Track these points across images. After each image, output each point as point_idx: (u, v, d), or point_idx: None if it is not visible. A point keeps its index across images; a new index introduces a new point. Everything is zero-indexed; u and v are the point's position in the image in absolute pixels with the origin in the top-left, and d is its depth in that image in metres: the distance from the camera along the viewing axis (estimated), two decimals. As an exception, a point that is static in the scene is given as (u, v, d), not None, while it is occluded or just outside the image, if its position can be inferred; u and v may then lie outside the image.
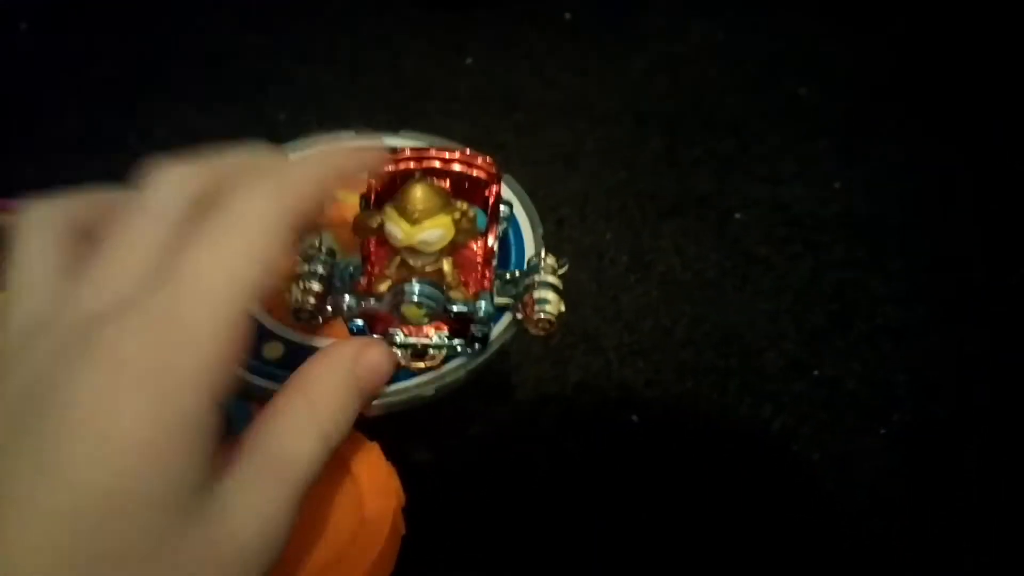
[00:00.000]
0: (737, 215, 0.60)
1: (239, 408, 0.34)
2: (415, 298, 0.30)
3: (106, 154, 0.62)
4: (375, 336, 0.33)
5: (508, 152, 0.64)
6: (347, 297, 0.32)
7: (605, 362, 0.52)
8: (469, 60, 0.72)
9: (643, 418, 0.49)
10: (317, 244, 0.33)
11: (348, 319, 0.33)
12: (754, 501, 0.46)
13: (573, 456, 0.48)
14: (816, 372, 0.51)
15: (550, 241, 0.59)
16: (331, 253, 0.33)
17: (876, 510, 0.46)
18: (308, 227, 0.27)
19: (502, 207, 0.35)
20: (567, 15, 0.77)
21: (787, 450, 0.48)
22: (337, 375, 0.27)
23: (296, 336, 0.34)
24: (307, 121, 0.65)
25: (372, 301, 0.31)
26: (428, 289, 0.30)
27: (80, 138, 0.64)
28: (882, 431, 0.49)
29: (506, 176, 0.38)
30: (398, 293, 0.30)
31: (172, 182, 0.26)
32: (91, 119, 0.66)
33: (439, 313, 0.31)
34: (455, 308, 0.31)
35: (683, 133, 0.67)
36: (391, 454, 0.35)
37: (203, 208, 0.24)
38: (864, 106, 0.69)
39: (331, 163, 0.28)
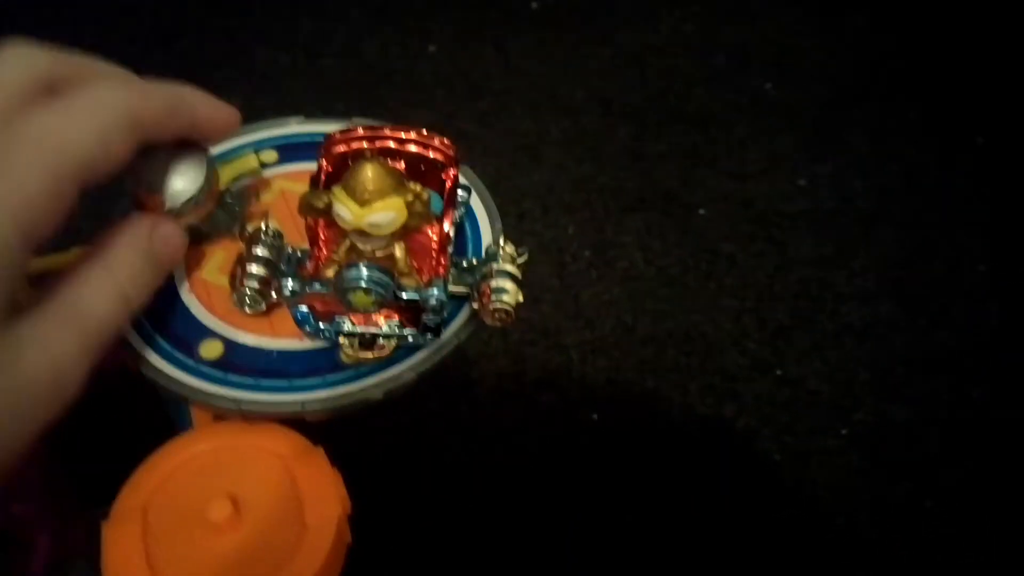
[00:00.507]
0: (702, 210, 0.60)
1: (181, 411, 0.33)
2: (362, 283, 0.28)
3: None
4: (321, 325, 0.31)
5: (470, 142, 0.63)
6: (289, 281, 0.30)
7: (566, 359, 0.51)
8: (432, 47, 0.70)
9: (604, 416, 0.48)
10: (263, 227, 0.30)
11: (291, 305, 0.31)
12: (715, 501, 0.45)
13: (534, 455, 0.47)
14: (779, 371, 0.51)
15: (511, 235, 0.58)
16: (277, 236, 0.31)
17: (838, 509, 0.45)
18: (148, 140, 0.28)
19: (460, 192, 0.33)
20: (533, 4, 0.75)
21: (749, 450, 0.47)
22: (133, 244, 0.28)
23: (237, 335, 0.32)
24: (262, 106, 0.63)
25: (317, 286, 0.29)
26: (376, 274, 0.28)
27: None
28: (843, 431, 0.48)
29: (463, 167, 0.36)
30: (344, 278, 0.28)
31: (22, 59, 0.27)
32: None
33: (389, 300, 0.29)
34: (405, 295, 0.29)
35: (650, 125, 0.66)
36: (342, 457, 0.34)
37: (50, 90, 0.26)
38: (831, 101, 0.68)
39: (183, 96, 0.29)
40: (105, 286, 0.27)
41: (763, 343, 0.52)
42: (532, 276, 0.54)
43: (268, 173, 0.36)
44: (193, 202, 0.30)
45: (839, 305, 0.54)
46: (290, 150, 0.37)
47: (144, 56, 0.68)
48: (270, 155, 0.37)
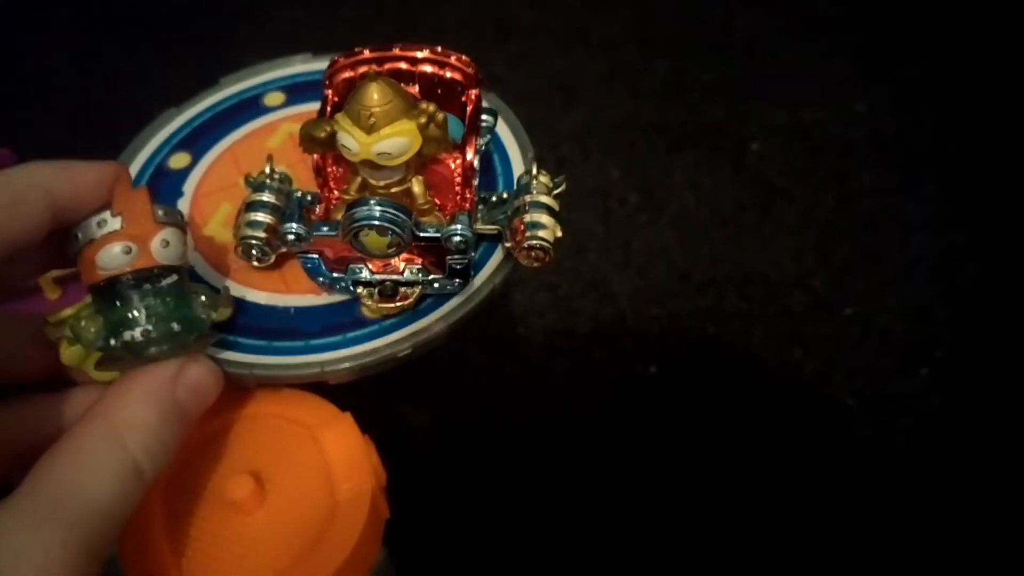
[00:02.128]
0: (754, 145, 0.56)
1: None
2: (374, 222, 0.24)
3: (69, 107, 0.57)
4: (335, 275, 0.28)
5: (503, 86, 0.59)
6: (293, 225, 0.26)
7: (618, 311, 0.48)
8: (456, -12, 0.67)
9: (662, 369, 0.46)
10: (267, 171, 0.27)
11: (299, 254, 0.27)
12: (786, 453, 0.42)
13: (588, 414, 0.44)
14: (847, 311, 0.47)
15: (551, 175, 0.55)
16: (285, 181, 0.28)
17: (918, 457, 0.42)
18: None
19: (484, 117, 0.29)
20: (560, -65, 0.71)
21: (819, 397, 0.44)
22: (150, 399, 0.23)
23: (247, 293, 0.28)
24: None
25: (324, 229, 0.26)
26: (390, 211, 0.24)
27: (40, 91, 0.60)
28: (922, 371, 0.45)
29: (489, 94, 0.33)
30: (352, 217, 0.24)
31: None
32: (51, 71, 0.61)
33: (407, 242, 0.25)
34: (424, 234, 0.25)
35: (691, 57, 0.61)
36: (374, 423, 0.31)
37: None
38: (887, 17, 0.63)
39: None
40: (110, 460, 0.22)
41: (829, 282, 0.49)
42: (577, 224, 0.51)
43: (275, 116, 0.33)
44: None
45: (909, 236, 0.50)
46: (297, 90, 0.34)
47: (157, 22, 0.65)
48: (277, 97, 0.34)
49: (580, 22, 0.64)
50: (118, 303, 0.23)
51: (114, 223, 0.23)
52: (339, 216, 0.26)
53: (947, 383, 0.44)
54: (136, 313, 0.23)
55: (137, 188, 0.24)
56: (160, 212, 0.24)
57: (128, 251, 0.23)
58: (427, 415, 0.44)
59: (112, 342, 0.23)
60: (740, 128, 0.56)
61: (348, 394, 0.29)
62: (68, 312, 0.25)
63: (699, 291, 0.48)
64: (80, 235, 0.23)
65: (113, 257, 0.23)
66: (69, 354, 0.25)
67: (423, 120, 0.23)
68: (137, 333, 0.23)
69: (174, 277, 0.24)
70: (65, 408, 0.26)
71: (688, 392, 0.44)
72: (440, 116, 0.24)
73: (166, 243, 0.24)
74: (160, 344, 0.24)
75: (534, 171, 0.27)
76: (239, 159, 0.32)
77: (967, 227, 0.50)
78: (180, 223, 0.25)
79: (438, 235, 0.25)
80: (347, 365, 0.26)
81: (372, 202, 0.24)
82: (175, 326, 0.24)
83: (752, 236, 0.51)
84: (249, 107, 0.33)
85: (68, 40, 0.64)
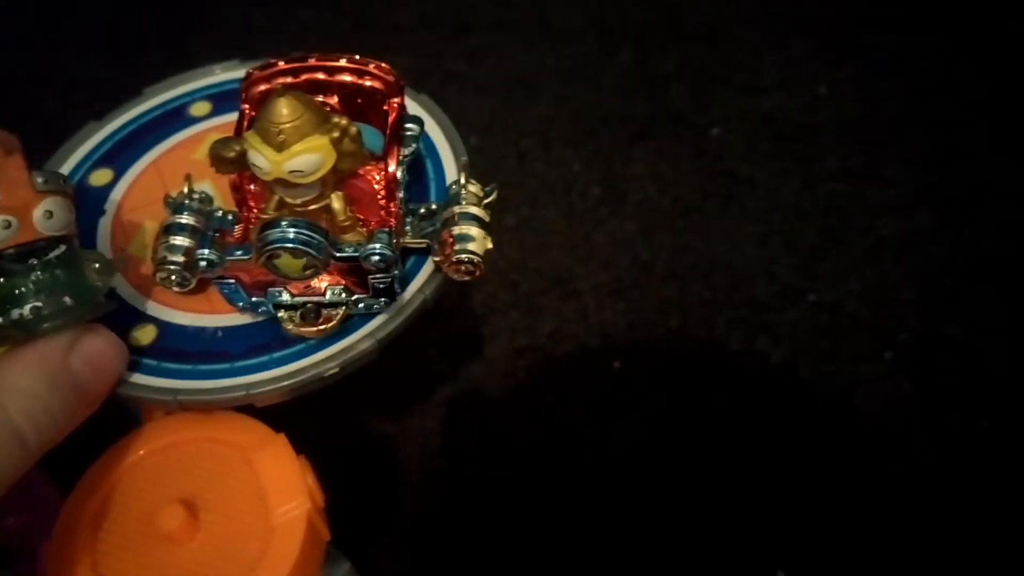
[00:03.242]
0: (715, 131, 0.55)
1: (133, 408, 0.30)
2: (287, 244, 0.23)
3: (13, 111, 0.56)
4: (254, 299, 0.26)
5: (462, 81, 0.59)
6: (204, 251, 0.25)
7: (581, 306, 0.47)
8: (414, -16, 0.66)
9: (627, 364, 0.45)
10: (186, 190, 0.26)
11: (214, 280, 0.26)
12: (754, 442, 0.42)
13: (554, 412, 0.44)
14: (812, 296, 0.47)
15: (511, 177, 0.54)
16: (206, 200, 0.27)
17: (887, 443, 0.42)
18: None
19: (409, 125, 0.28)
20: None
21: (787, 384, 0.44)
22: (38, 366, 0.22)
23: (171, 315, 0.28)
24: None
25: (238, 253, 0.25)
26: (304, 232, 0.23)
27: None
28: (888, 355, 0.44)
29: (421, 96, 0.32)
30: (264, 240, 0.23)
31: None
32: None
33: (323, 262, 0.24)
34: (341, 253, 0.24)
35: (653, 46, 0.61)
36: (339, 430, 0.30)
37: None
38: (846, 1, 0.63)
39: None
40: None
41: (794, 268, 0.48)
42: (539, 220, 0.51)
43: (201, 127, 0.32)
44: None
45: (873, 219, 0.50)
46: (224, 99, 0.33)
47: (109, 27, 0.64)
48: (203, 107, 0.33)
49: (540, 15, 0.63)
50: (2, 280, 0.22)
51: None
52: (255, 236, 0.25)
53: (914, 366, 0.44)
54: (23, 289, 0.22)
55: (11, 154, 0.22)
56: (40, 179, 0.22)
57: (7, 225, 0.22)
58: (392, 423, 0.44)
59: (0, 320, 0.22)
60: (701, 116, 0.56)
61: (284, 414, 0.28)
62: None
63: (663, 282, 0.48)
64: None
65: None
66: None
67: (336, 134, 0.23)
68: (26, 311, 0.22)
69: (62, 248, 0.23)
70: None
71: (653, 386, 0.44)
72: (354, 129, 0.23)
73: (49, 214, 0.22)
74: (53, 320, 0.22)
75: (463, 180, 0.26)
76: (164, 173, 0.31)
77: (930, 209, 0.50)
78: (64, 189, 0.23)
79: (356, 255, 0.24)
80: (274, 387, 0.25)
81: (284, 223, 0.23)
82: (67, 300, 0.23)
83: (715, 224, 0.50)
84: (174, 118, 0.32)
85: (8, 40, 0.62)
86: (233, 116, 0.32)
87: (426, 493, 0.42)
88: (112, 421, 0.27)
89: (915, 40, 0.59)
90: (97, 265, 0.24)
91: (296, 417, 0.27)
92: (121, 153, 0.31)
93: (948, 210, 0.50)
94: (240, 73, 0.33)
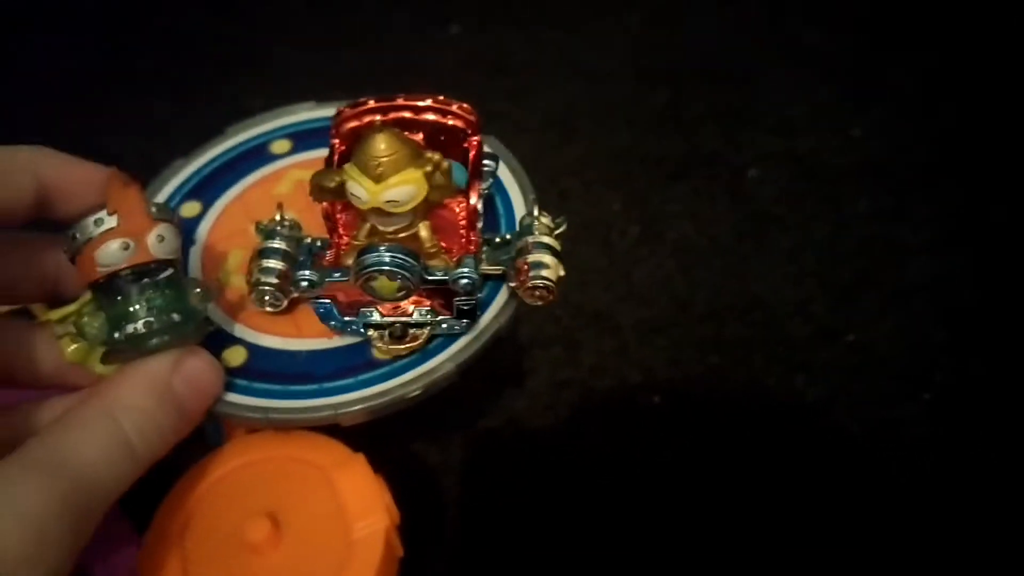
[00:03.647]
0: (750, 172, 0.57)
1: (213, 426, 0.31)
2: (384, 267, 0.25)
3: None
4: (346, 319, 0.28)
5: (501, 122, 0.60)
6: (306, 272, 0.27)
7: (621, 342, 0.48)
8: (454, 28, 0.68)
9: (666, 399, 0.46)
10: (277, 218, 0.28)
11: (311, 300, 0.28)
12: (791, 479, 0.43)
13: (595, 445, 0.45)
14: (849, 336, 0.48)
15: (552, 215, 0.56)
16: (295, 227, 0.29)
17: (923, 483, 0.43)
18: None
19: (486, 162, 0.30)
20: (553, -30, 0.72)
21: (823, 423, 0.45)
22: (146, 383, 0.24)
23: (260, 338, 0.30)
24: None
25: (336, 275, 0.27)
26: (399, 256, 0.25)
27: (43, 135, 0.60)
28: (925, 396, 0.45)
29: (490, 138, 0.34)
30: (363, 263, 0.25)
31: None
32: (54, 116, 0.62)
33: (415, 284, 0.26)
34: (432, 277, 0.26)
35: (686, 88, 0.62)
36: (386, 462, 0.31)
37: None
38: (874, 43, 0.65)
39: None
40: (101, 434, 0.22)
41: (828, 308, 0.49)
42: (578, 257, 0.52)
43: (282, 164, 0.34)
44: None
45: (906, 261, 0.51)
46: (304, 137, 0.35)
47: (156, 67, 0.66)
48: (283, 144, 0.35)
49: (576, 58, 0.65)
50: (119, 298, 0.24)
51: (111, 221, 0.24)
52: (349, 261, 0.27)
53: (948, 407, 0.45)
54: (137, 307, 0.24)
55: (129, 186, 0.25)
56: (154, 208, 0.25)
57: (126, 247, 0.24)
58: (438, 452, 0.45)
59: (116, 335, 0.24)
60: (735, 156, 0.57)
61: (359, 435, 0.30)
62: (71, 308, 0.26)
63: (701, 320, 0.49)
64: (78, 235, 0.25)
65: (112, 254, 0.24)
66: (73, 351, 0.26)
67: (429, 168, 0.25)
68: (140, 325, 0.24)
69: (170, 270, 0.25)
70: (59, 412, 0.27)
71: (692, 420, 0.45)
72: (445, 164, 0.25)
73: (161, 238, 0.25)
74: (161, 335, 0.24)
75: (535, 212, 0.28)
76: (248, 206, 0.33)
77: (962, 250, 0.51)
78: (172, 218, 0.26)
79: (446, 278, 0.26)
80: (359, 407, 0.27)
81: (382, 248, 0.25)
82: (175, 316, 0.25)
83: (751, 264, 0.51)
84: (256, 155, 0.34)
85: (67, 86, 0.65)
86: (312, 153, 0.34)
87: (465, 523, 0.43)
88: (178, 449, 0.29)
89: (941, 85, 0.61)
90: (198, 291, 0.26)
91: (371, 441, 0.28)
92: (208, 187, 0.33)
93: (977, 254, 0.51)
94: (318, 113, 0.36)
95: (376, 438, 0.34)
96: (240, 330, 0.29)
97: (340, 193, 0.25)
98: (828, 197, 0.55)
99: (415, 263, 0.26)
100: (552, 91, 0.63)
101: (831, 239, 0.52)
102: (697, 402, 0.46)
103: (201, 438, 0.31)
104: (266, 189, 0.33)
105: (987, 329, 0.47)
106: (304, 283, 0.27)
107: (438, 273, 0.26)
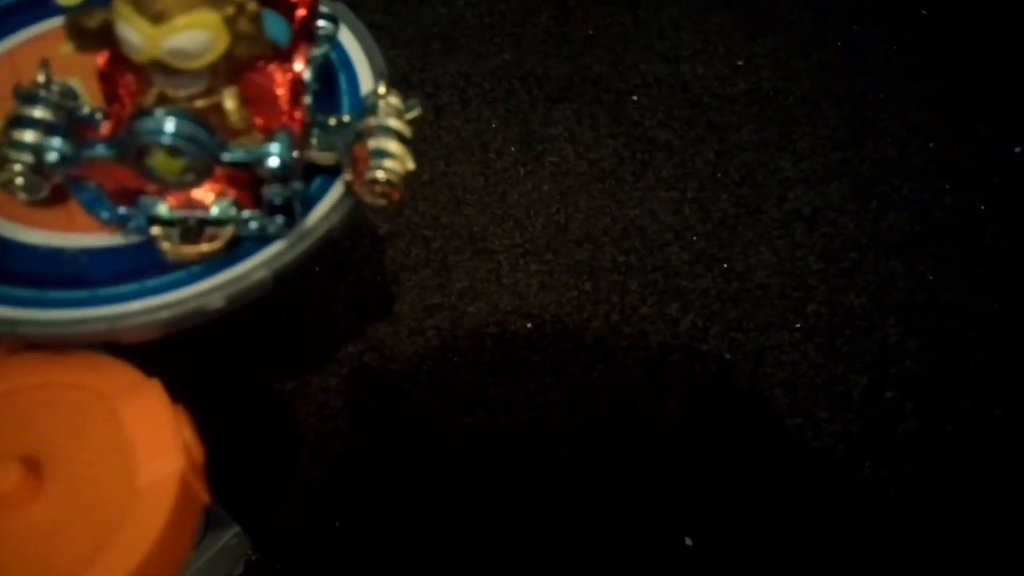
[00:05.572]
0: (635, 97, 0.54)
1: None
2: (163, 138, 0.19)
3: None
4: (121, 211, 0.21)
5: (378, 32, 0.56)
6: (56, 140, 0.20)
7: (494, 265, 0.46)
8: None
9: (537, 323, 0.44)
10: (43, 80, 0.21)
11: (67, 180, 0.21)
12: (664, 407, 0.41)
13: (463, 373, 0.43)
14: (725, 265, 0.47)
15: (427, 131, 0.53)
16: (68, 95, 0.22)
17: (794, 408, 0.42)
18: None
19: (322, 23, 0.24)
20: None
21: (697, 350, 0.44)
22: None
23: (15, 231, 0.23)
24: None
25: (100, 149, 0.20)
26: (186, 124, 0.19)
27: None
28: (797, 324, 0.45)
29: (336, 3, 0.29)
30: (135, 130, 0.19)
31: None
32: None
33: (206, 165, 0.20)
34: (228, 155, 0.20)
35: (574, 8, 0.60)
36: (229, 381, 0.26)
37: None
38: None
39: None
40: None
41: (707, 235, 0.48)
42: (453, 176, 0.49)
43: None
44: None
45: (786, 191, 0.50)
46: None
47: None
48: None
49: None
50: None
51: None
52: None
53: (819, 334, 0.44)
54: None
55: None
56: None
57: None
58: (290, 377, 0.42)
59: None
60: (621, 80, 0.55)
61: (160, 358, 0.25)
62: None
63: (577, 244, 0.47)
64: None
65: None
66: None
67: (230, 11, 0.19)
68: None
69: None
70: None
71: (563, 347, 0.43)
72: (253, 7, 0.19)
73: None
74: None
75: (382, 90, 0.23)
76: (19, 68, 0.26)
77: (841, 182, 0.50)
78: None
79: (248, 157, 0.20)
80: (143, 319, 0.21)
81: (159, 112, 0.19)
82: None
83: (631, 189, 0.49)
84: (38, 5, 0.28)
85: None
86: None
87: (323, 454, 0.40)
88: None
89: (830, 20, 0.60)
90: None
91: (176, 362, 0.24)
92: None
93: (857, 186, 0.50)
94: None
95: (201, 354, 0.30)
96: None
97: (108, 38, 0.19)
98: (712, 125, 0.53)
99: (206, 135, 0.20)
100: (434, 3, 0.59)
101: (713, 167, 0.51)
102: (569, 327, 0.44)
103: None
104: (46, 48, 0.26)
105: (862, 260, 0.47)
106: (53, 155, 0.21)
107: (239, 152, 0.20)
